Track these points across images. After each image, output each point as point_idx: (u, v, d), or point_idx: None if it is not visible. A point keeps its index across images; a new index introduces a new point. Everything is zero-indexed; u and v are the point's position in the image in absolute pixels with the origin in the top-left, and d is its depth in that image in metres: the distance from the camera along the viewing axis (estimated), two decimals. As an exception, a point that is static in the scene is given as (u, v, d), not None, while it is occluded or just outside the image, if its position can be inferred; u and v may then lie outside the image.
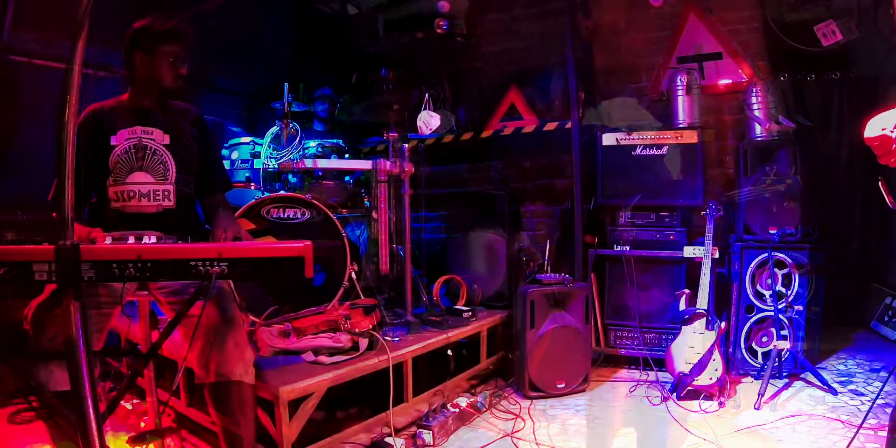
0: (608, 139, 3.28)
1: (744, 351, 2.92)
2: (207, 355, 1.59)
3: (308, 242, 1.24)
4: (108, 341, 2.62)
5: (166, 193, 1.90)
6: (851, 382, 2.74)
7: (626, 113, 3.67)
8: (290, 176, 3.08)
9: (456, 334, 2.66)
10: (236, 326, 1.63)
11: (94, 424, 0.96)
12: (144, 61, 1.86)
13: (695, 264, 2.89)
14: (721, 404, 2.49)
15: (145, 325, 1.77)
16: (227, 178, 2.14)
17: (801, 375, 2.81)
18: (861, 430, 2.12)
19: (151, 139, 1.90)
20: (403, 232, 2.84)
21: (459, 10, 4.07)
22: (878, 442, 2.03)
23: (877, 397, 2.43)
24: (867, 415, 1.99)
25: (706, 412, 2.44)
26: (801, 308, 2.85)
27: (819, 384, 2.66)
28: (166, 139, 1.92)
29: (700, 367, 2.54)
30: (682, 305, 2.70)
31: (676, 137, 3.16)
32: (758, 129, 3.22)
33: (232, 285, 1.84)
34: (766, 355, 2.86)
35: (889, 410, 1.53)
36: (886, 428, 1.27)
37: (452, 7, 4.06)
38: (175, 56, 1.88)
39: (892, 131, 1.24)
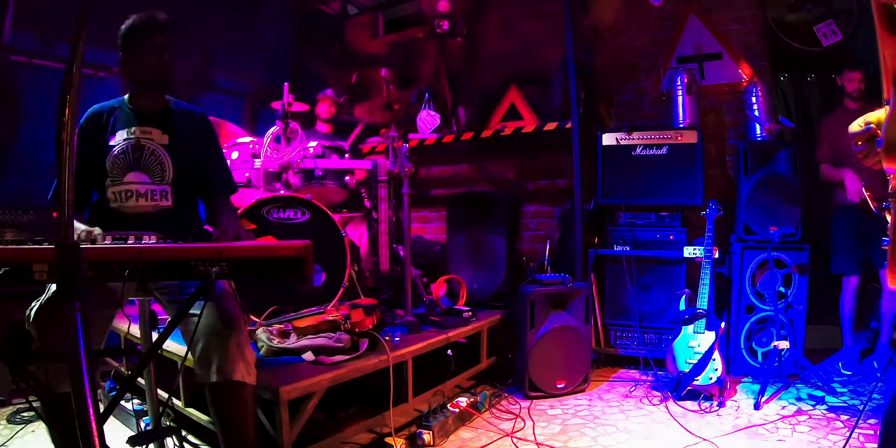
0: (608, 139, 3.29)
1: (744, 351, 2.92)
2: (209, 355, 1.59)
3: (308, 242, 1.24)
4: (109, 341, 2.63)
5: (164, 193, 1.88)
6: (851, 382, 2.74)
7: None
8: (290, 176, 3.08)
9: (456, 334, 2.66)
10: (238, 326, 1.63)
11: (94, 424, 0.96)
12: (135, 58, 1.85)
13: (695, 264, 2.89)
14: (721, 404, 2.49)
15: (145, 326, 1.77)
16: (231, 181, 2.12)
17: (801, 375, 2.81)
18: (861, 430, 2.13)
19: (150, 139, 1.89)
20: (403, 232, 2.84)
21: (458, 10, 4.07)
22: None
23: (869, 398, 2.43)
24: (861, 414, 1.99)
25: (706, 412, 2.44)
26: (801, 308, 2.85)
27: (819, 384, 2.66)
28: (165, 139, 1.90)
29: (700, 367, 2.54)
30: (683, 305, 2.70)
31: (676, 137, 3.16)
32: (758, 129, 3.22)
33: (233, 285, 1.83)
34: (766, 355, 2.86)
35: None
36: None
37: (452, 7, 4.06)
38: (162, 46, 1.86)
39: (877, 126, 1.17)
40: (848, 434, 2.10)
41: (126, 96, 1.95)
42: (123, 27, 1.85)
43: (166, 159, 1.89)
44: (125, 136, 1.87)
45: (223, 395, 1.59)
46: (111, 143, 1.86)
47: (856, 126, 1.20)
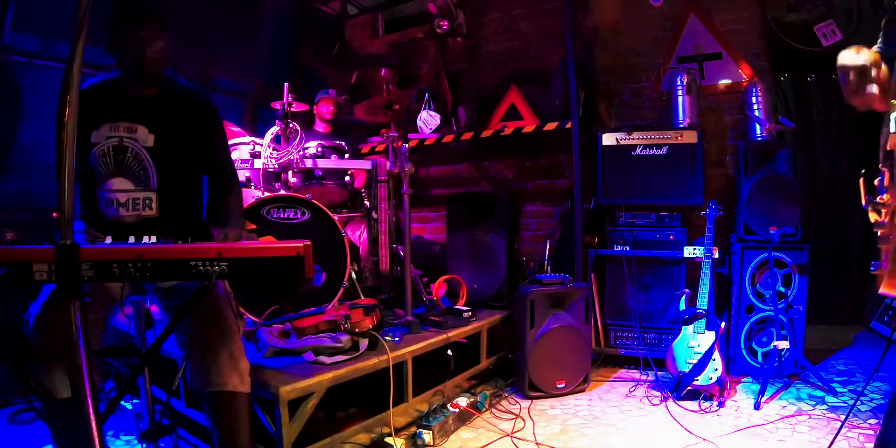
0: (608, 139, 3.28)
1: (744, 351, 2.92)
2: (201, 366, 1.58)
3: (308, 242, 1.24)
4: (109, 341, 2.63)
5: (147, 202, 1.77)
6: (851, 382, 2.74)
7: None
8: (290, 176, 3.08)
9: (456, 334, 2.66)
10: (230, 336, 1.60)
11: (94, 424, 0.96)
12: (121, 48, 1.71)
13: (695, 264, 2.89)
14: (721, 404, 2.49)
15: (142, 327, 1.77)
16: (234, 172, 2.01)
17: (801, 375, 2.81)
18: (861, 430, 2.13)
19: (133, 139, 1.74)
20: (403, 232, 2.84)
21: (450, 9, 4.07)
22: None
23: (860, 394, 2.43)
24: (851, 410, 1.98)
25: (706, 412, 2.44)
26: (801, 308, 2.85)
27: (819, 384, 2.66)
28: (150, 140, 1.76)
29: (700, 367, 2.54)
30: (683, 305, 2.70)
31: (676, 137, 3.16)
32: (758, 129, 3.22)
33: (229, 292, 1.79)
34: (766, 355, 2.86)
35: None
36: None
37: (441, 7, 4.07)
38: (150, 39, 1.70)
39: (873, 64, 1.04)
40: (853, 435, 2.10)
41: (118, 75, 1.80)
42: (113, 8, 1.69)
43: (150, 165, 1.77)
44: (108, 134, 1.73)
45: (216, 405, 1.59)
46: (93, 139, 1.73)
47: (851, 56, 1.09)
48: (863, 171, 1.16)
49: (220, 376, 1.57)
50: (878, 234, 1.01)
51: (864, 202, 1.09)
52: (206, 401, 1.59)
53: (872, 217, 1.05)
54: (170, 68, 1.84)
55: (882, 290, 0.94)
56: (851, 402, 2.48)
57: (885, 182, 1.03)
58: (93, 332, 1.65)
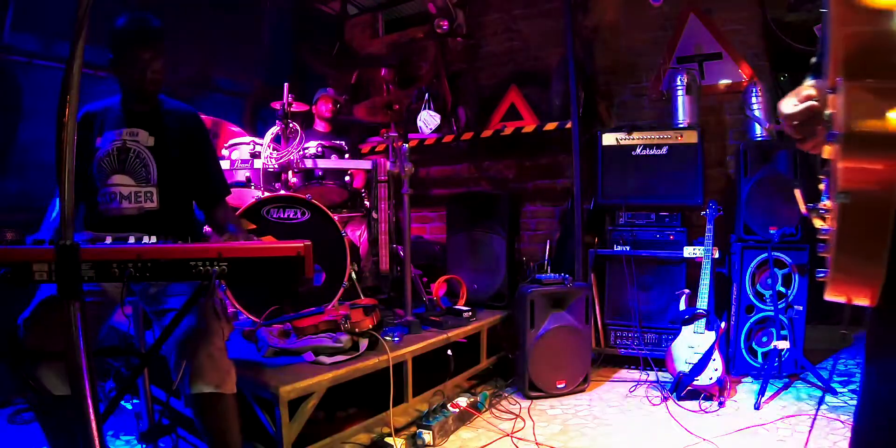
0: (608, 139, 3.28)
1: (744, 351, 2.92)
2: (180, 366, 1.57)
3: (308, 242, 1.24)
4: (109, 341, 2.63)
5: (149, 195, 1.86)
6: (851, 382, 2.74)
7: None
8: (290, 176, 3.08)
9: (456, 334, 2.66)
10: (209, 337, 1.59)
11: (94, 425, 0.96)
12: (123, 69, 1.83)
13: (695, 264, 2.89)
14: (721, 404, 2.49)
15: (141, 327, 1.77)
16: (225, 183, 2.08)
17: (801, 375, 2.81)
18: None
19: (135, 141, 1.87)
20: (403, 232, 2.84)
21: (450, 10, 4.07)
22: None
23: (823, 397, 2.42)
24: (819, 404, 1.96)
25: (706, 412, 2.44)
26: (801, 308, 2.85)
27: (819, 384, 2.66)
28: (151, 141, 1.88)
29: (700, 367, 2.54)
30: (682, 305, 2.70)
31: (676, 137, 3.16)
32: (758, 129, 3.22)
33: (218, 294, 1.79)
34: (766, 355, 2.86)
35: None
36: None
37: (441, 7, 4.07)
38: (150, 60, 1.83)
39: (820, 102, 0.96)
40: (810, 424, 2.11)
41: (119, 97, 1.94)
42: (114, 29, 1.81)
43: (150, 161, 1.87)
44: (112, 138, 1.85)
45: (199, 406, 1.58)
46: (98, 144, 1.85)
47: (791, 106, 1.02)
48: (796, 185, 1.14)
49: (201, 377, 1.56)
50: (823, 241, 0.98)
51: (804, 211, 1.06)
52: (191, 403, 1.59)
53: (817, 223, 1.02)
54: (165, 83, 1.96)
55: (826, 296, 0.92)
56: (851, 402, 2.48)
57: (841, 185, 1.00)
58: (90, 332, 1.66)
